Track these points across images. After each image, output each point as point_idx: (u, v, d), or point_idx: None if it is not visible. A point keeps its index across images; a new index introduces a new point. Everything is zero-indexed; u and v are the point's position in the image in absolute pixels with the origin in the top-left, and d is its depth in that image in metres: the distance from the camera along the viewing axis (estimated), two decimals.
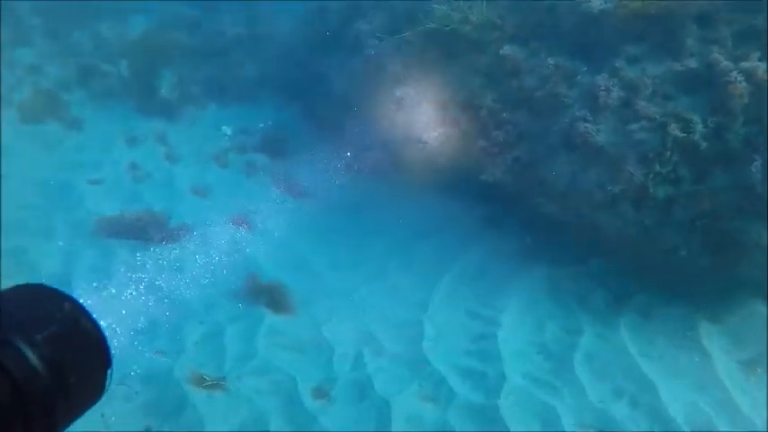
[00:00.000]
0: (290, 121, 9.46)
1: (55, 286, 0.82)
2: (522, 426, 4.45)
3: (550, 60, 5.43)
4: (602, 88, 4.91)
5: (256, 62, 9.84)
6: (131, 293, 5.20)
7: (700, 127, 4.58)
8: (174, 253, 5.91)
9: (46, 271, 5.63)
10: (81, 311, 0.83)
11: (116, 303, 5.02)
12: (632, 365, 5.00)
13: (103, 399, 0.85)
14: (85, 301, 0.89)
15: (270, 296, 5.50)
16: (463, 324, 5.40)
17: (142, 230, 6.13)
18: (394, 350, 5.06)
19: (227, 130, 8.96)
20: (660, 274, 5.73)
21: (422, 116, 6.42)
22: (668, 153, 4.66)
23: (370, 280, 5.92)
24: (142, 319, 5.06)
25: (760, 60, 4.55)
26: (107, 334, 0.84)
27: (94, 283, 5.40)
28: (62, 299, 0.81)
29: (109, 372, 0.83)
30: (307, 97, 9.27)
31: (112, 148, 7.79)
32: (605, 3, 5.19)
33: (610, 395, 4.77)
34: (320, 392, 4.67)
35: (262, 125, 9.36)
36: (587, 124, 4.98)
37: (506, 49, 5.76)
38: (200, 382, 4.64)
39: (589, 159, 5.10)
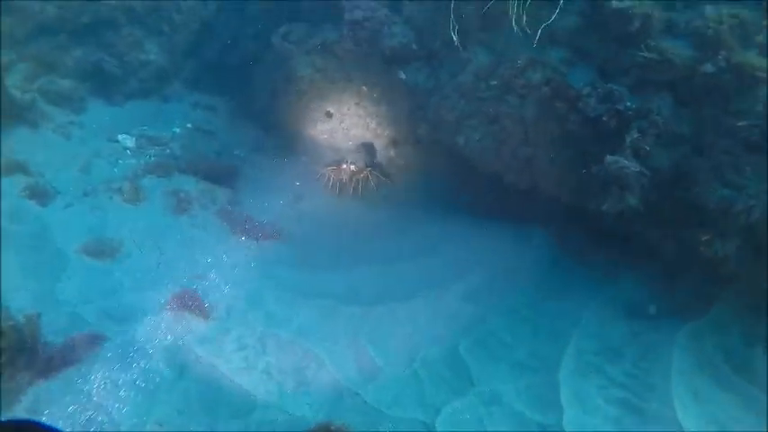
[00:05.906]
0: (217, 124, 6.58)
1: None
2: None
3: None
4: None
5: (159, 41, 6.74)
6: None
7: None
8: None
9: None
10: None
11: None
12: None
13: None
14: None
15: None
16: None
17: None
18: None
19: (128, 140, 5.88)
20: None
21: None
22: None
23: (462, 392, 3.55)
24: None
25: None
26: None
27: None
28: None
29: None
30: (240, 88, 6.49)
31: None
32: None
33: None
34: None
35: (177, 129, 6.37)
36: None
37: None
38: None
39: None
